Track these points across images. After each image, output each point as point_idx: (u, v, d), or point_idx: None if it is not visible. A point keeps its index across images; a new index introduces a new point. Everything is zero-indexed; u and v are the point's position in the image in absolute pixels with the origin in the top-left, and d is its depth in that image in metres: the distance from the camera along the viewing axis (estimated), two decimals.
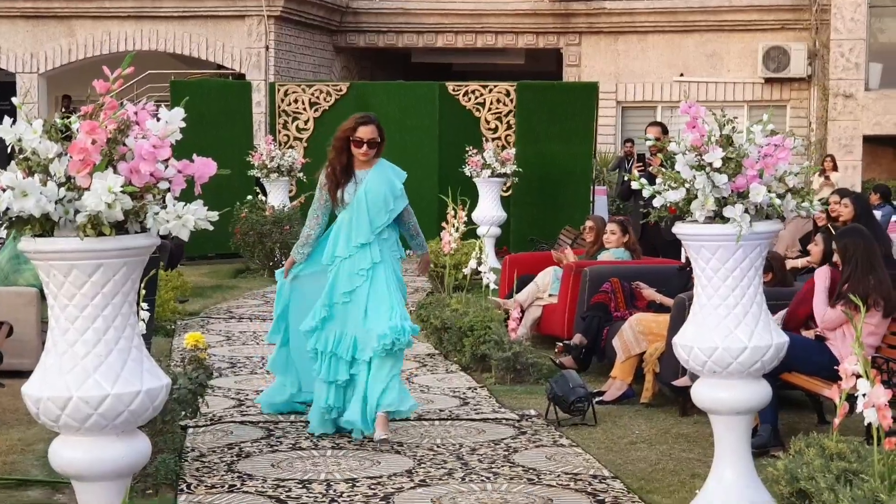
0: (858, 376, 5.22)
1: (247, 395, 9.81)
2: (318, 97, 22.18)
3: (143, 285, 5.24)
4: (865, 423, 5.29)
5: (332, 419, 8.46)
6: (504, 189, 20.27)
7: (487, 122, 21.86)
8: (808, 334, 8.45)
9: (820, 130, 27.44)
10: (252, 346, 12.41)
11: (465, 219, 12.71)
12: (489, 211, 19.40)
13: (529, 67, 30.25)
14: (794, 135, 6.49)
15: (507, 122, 21.82)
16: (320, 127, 21.57)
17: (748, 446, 6.75)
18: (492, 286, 12.18)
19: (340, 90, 22.35)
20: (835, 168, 23.44)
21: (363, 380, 8.33)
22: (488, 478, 7.38)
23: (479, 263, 12.20)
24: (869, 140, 26.97)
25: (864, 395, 5.13)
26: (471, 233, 14.57)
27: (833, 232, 9.20)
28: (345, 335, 8.34)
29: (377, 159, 8.55)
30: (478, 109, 21.89)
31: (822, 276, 8.37)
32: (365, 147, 8.41)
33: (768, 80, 28.02)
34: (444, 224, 12.63)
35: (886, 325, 8.24)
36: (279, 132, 22.11)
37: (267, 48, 26.15)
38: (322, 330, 8.37)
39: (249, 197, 19.18)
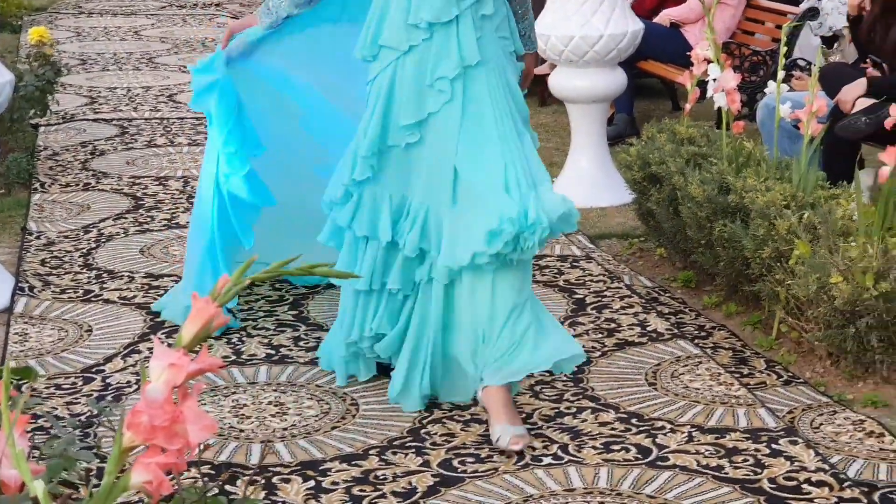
0: (710, 62, 5.25)
1: (99, 92, 9.60)
2: None
3: None
4: (716, 108, 5.35)
5: (372, 358, 4.45)
6: None
7: None
8: (664, 21, 8.45)
9: None
10: (103, 42, 12.07)
11: None
12: None
13: None
14: None
15: None
16: None
17: (604, 134, 6.84)
18: None
19: None
20: None
21: (441, 308, 4.19)
22: None
23: None
24: None
25: (714, 79, 5.17)
26: None
27: None
28: (410, 205, 4.20)
29: None
30: None
31: None
32: None
33: None
34: None
35: (743, 7, 8.26)
36: None
37: None
38: (360, 199, 4.25)
39: None
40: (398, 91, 4.14)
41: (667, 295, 5.42)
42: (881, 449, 4.00)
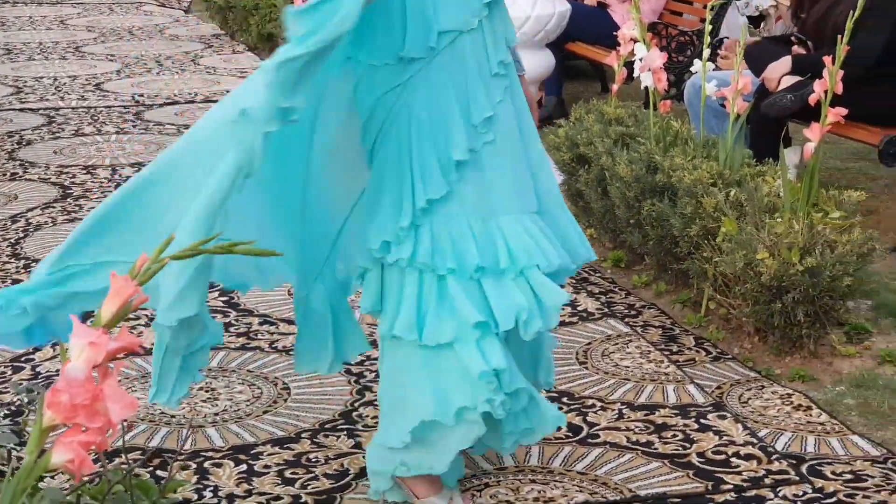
0: (636, 41, 5.27)
1: (25, 81, 9.49)
2: None
3: None
4: (643, 88, 5.38)
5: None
6: None
7: None
8: (590, 1, 8.49)
9: None
10: (28, 31, 11.93)
11: None
12: None
13: None
14: None
15: None
16: None
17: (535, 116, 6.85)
18: None
19: None
20: None
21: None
22: None
23: None
24: None
25: (640, 59, 5.20)
26: None
27: None
28: (490, 229, 3.28)
29: None
30: None
31: None
32: None
33: None
34: None
35: None
36: None
37: None
38: (431, 228, 3.26)
39: None
40: (471, 73, 3.25)
41: (597, 275, 5.46)
42: (808, 422, 4.05)
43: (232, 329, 4.77)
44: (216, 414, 4.07)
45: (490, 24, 3.28)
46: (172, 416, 4.03)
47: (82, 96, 8.97)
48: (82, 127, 8.07)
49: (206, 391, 4.23)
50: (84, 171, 7.01)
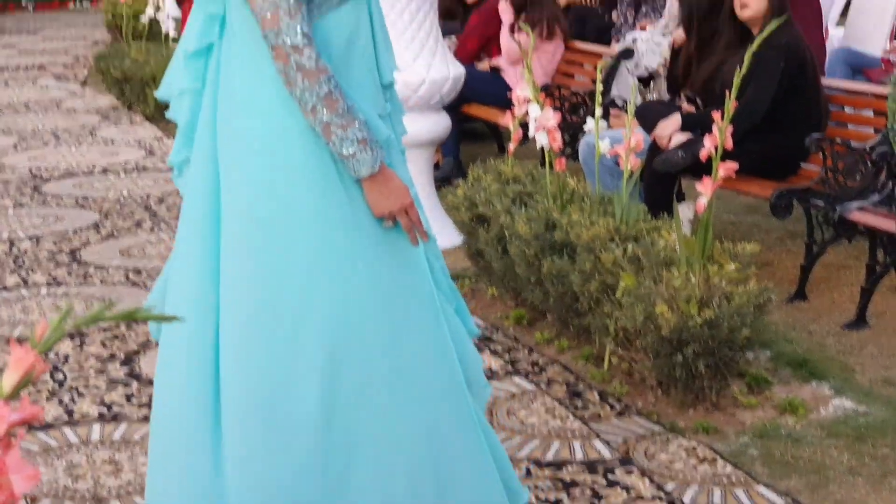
0: (530, 102, 5.35)
1: None
2: None
3: None
4: (538, 148, 5.45)
5: None
6: None
7: None
8: (484, 66, 8.59)
9: None
10: None
11: None
12: None
13: None
14: None
15: None
16: None
17: (431, 178, 6.91)
18: (171, 33, 11.84)
19: None
20: None
21: None
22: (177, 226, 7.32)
23: (158, 10, 11.83)
24: None
25: (535, 119, 5.27)
26: None
27: None
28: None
29: None
30: None
31: (505, 10, 8.45)
32: None
33: None
34: None
35: (561, 51, 8.44)
36: None
37: None
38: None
39: None
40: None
41: (500, 333, 5.49)
42: (714, 474, 4.09)
43: (134, 400, 4.73)
44: (120, 486, 4.02)
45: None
46: (76, 491, 3.98)
47: None
48: None
49: (110, 463, 4.18)
50: None
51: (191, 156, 3.10)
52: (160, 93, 3.20)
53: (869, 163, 5.54)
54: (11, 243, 6.97)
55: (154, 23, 12.09)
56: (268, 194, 2.95)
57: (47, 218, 7.54)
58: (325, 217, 2.96)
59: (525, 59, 5.41)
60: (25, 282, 6.25)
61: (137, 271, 6.38)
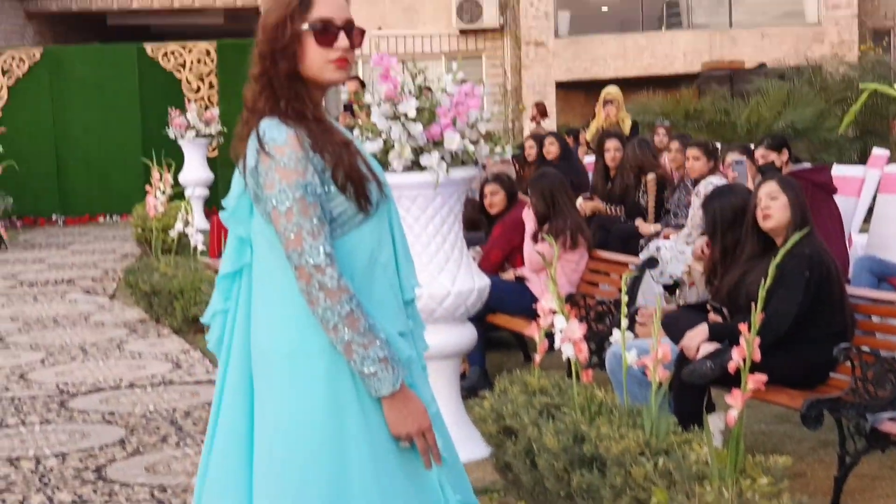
0: (555, 313, 5.36)
1: None
2: (10, 64, 21.37)
3: None
4: (564, 358, 5.44)
5: None
6: (211, 149, 19.92)
7: (189, 83, 21.54)
8: (509, 276, 8.65)
9: (515, 78, 28.25)
10: None
11: (172, 181, 12.72)
12: (196, 172, 19.04)
13: (230, 26, 29.81)
14: (482, 83, 6.62)
15: (209, 81, 21.58)
16: (16, 96, 21.23)
17: (458, 389, 6.89)
18: (200, 247, 11.99)
19: (34, 56, 21.56)
20: (544, 114, 23.78)
21: None
22: (204, 440, 7.29)
23: (186, 224, 12.01)
24: (561, 86, 27.98)
25: (560, 331, 5.28)
26: (180, 195, 14.48)
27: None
28: None
29: None
30: (179, 70, 21.57)
31: (529, 219, 8.55)
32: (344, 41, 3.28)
33: (463, 32, 28.52)
34: (148, 188, 12.64)
35: (585, 260, 8.50)
36: None
37: None
38: None
39: None
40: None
41: None
42: None
43: None
44: None
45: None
46: None
47: (6, 387, 8.89)
48: (5, 418, 7.98)
49: None
50: (8, 464, 6.89)
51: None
52: (204, 318, 3.38)
53: None
54: (38, 461, 6.94)
55: (183, 236, 12.25)
56: (287, 425, 3.19)
57: (73, 434, 7.52)
58: (341, 445, 3.16)
59: (549, 270, 5.44)
60: (51, 500, 6.20)
61: (163, 489, 6.33)
